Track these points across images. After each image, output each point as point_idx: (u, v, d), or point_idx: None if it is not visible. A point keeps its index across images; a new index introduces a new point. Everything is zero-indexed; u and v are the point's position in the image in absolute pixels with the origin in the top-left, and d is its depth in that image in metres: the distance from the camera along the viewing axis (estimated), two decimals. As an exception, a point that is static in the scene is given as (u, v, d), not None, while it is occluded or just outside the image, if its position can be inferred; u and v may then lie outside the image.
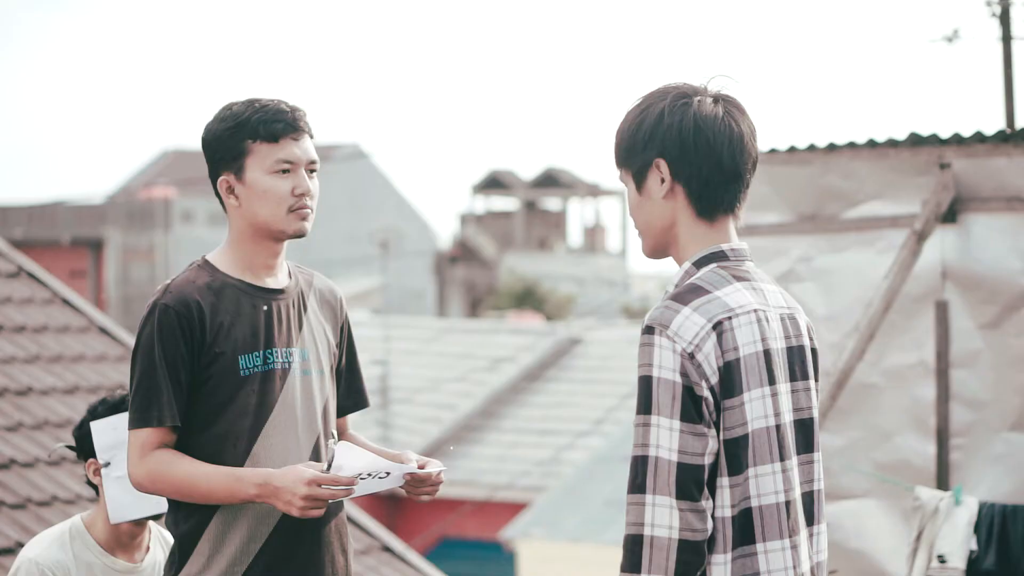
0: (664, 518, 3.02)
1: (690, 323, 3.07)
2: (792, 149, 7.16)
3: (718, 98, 3.21)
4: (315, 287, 4.09)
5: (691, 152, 3.15)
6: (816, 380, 3.28)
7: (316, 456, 3.94)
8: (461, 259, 51.05)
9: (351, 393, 4.11)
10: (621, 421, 23.32)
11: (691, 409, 3.04)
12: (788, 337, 3.22)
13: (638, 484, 3.05)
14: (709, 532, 3.05)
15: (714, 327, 3.08)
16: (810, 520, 3.22)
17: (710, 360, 3.07)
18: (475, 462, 24.26)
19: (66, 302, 11.96)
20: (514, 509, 21.86)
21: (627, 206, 3.28)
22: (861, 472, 6.88)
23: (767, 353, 3.15)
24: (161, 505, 4.34)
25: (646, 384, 3.07)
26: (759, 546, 3.11)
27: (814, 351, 3.29)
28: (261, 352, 3.90)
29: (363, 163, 48.40)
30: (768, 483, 3.12)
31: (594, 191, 58.49)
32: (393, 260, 44.99)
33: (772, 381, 3.14)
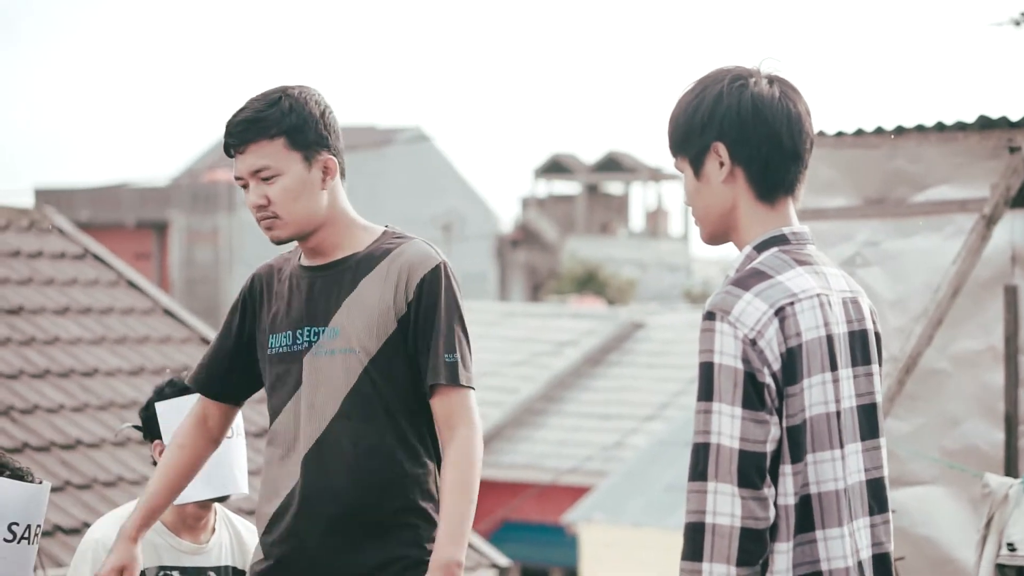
0: (726, 506, 2.99)
1: (752, 309, 3.04)
2: (860, 133, 7.11)
3: (772, 79, 3.18)
4: (396, 257, 3.94)
5: (750, 133, 3.13)
6: (880, 364, 3.24)
7: (330, 440, 3.90)
8: (523, 243, 51.04)
9: (423, 372, 3.92)
10: (684, 406, 23.27)
11: (753, 396, 3.01)
12: (851, 321, 3.19)
13: (699, 471, 3.02)
14: (771, 520, 3.02)
15: (776, 313, 3.05)
16: (879, 507, 3.19)
17: (772, 346, 3.04)
18: (537, 446, 24.27)
19: (131, 284, 12.03)
20: (576, 493, 21.85)
21: (685, 193, 3.23)
22: (929, 458, 6.83)
23: (829, 338, 3.12)
24: (227, 487, 4.35)
25: (707, 370, 3.03)
26: (819, 533, 3.08)
27: (877, 335, 3.26)
28: (292, 332, 3.93)
29: (425, 146, 48.44)
30: (827, 470, 3.09)
31: (656, 175, 58.34)
32: (455, 244, 45.02)
33: (834, 367, 3.11)
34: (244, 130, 3.94)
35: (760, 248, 3.15)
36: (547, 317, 29.91)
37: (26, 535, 3.40)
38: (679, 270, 54.32)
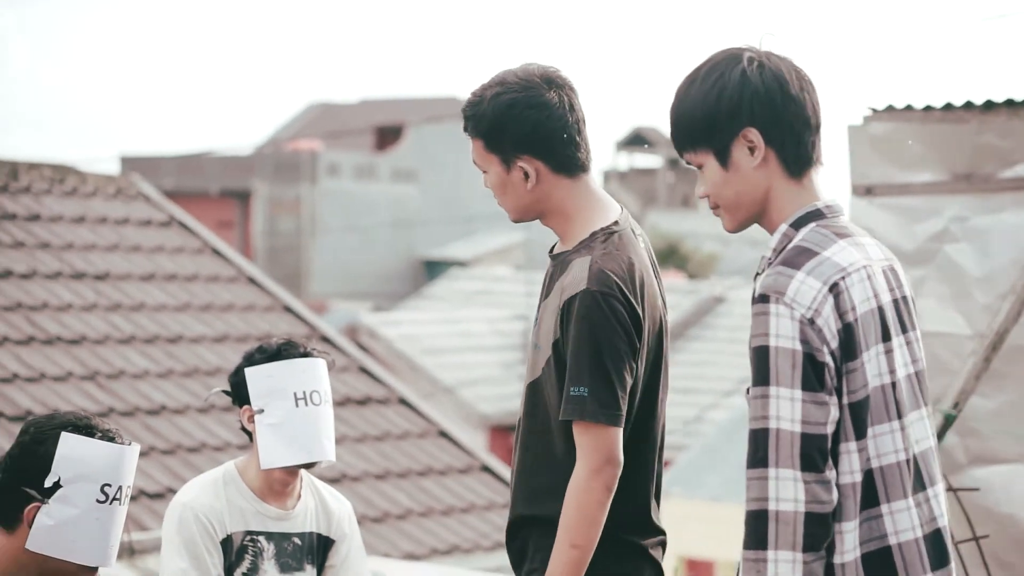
0: (789, 491, 2.94)
1: (806, 287, 2.98)
2: (948, 107, 7.04)
3: (779, 56, 3.12)
4: (566, 274, 3.78)
5: (782, 112, 3.06)
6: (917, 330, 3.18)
7: (521, 432, 3.86)
8: (604, 216, 50.92)
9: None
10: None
11: (812, 377, 2.95)
12: (892, 289, 3.14)
13: (759, 458, 2.96)
14: (835, 502, 2.97)
15: (830, 289, 3.00)
16: (931, 480, 3.14)
17: (830, 324, 2.98)
18: (616, 419, 24.23)
19: (216, 252, 12.12)
20: (655, 467, 21.86)
21: (708, 185, 3.12)
22: (1014, 436, 6.77)
23: (880, 309, 3.07)
24: (314, 454, 4.38)
25: (763, 354, 2.97)
26: (884, 507, 3.04)
27: (913, 300, 3.22)
28: None
29: (508, 118, 48.41)
30: (887, 442, 3.04)
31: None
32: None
33: (887, 337, 3.07)
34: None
35: (797, 225, 3.10)
36: (628, 290, 29.82)
37: (117, 496, 3.43)
38: (760, 245, 54.06)
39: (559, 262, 3.82)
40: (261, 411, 4.34)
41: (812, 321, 2.97)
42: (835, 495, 2.97)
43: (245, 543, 4.36)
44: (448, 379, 25.09)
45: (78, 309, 10.68)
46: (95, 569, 3.46)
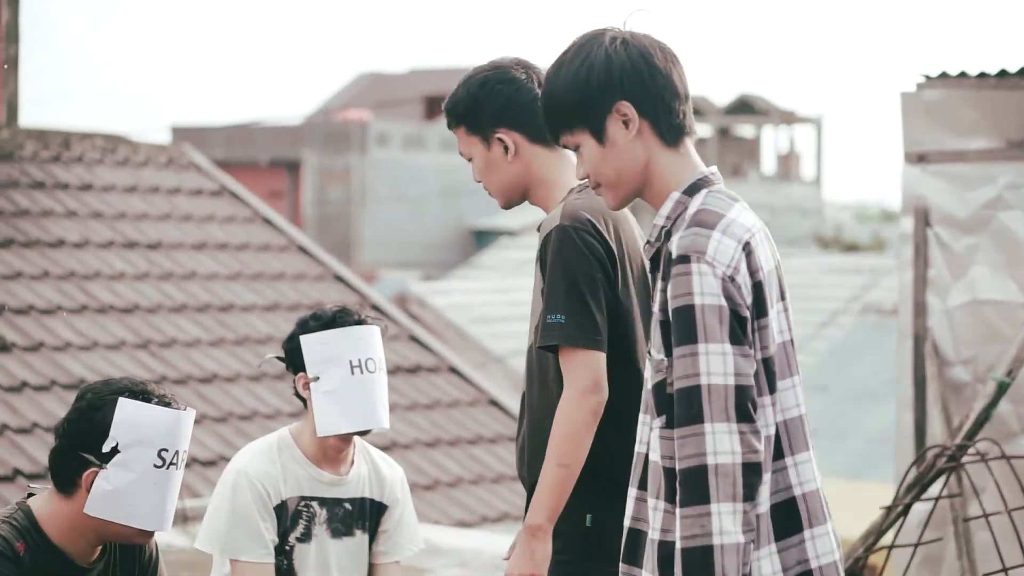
0: (726, 444, 2.96)
1: (724, 246, 3.03)
2: (1002, 74, 6.99)
3: (635, 32, 3.18)
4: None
5: (650, 83, 3.11)
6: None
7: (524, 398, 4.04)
8: (653, 185, 50.82)
9: None
10: (814, 351, 23.12)
11: (738, 331, 3.00)
12: (776, 254, 3.22)
13: (692, 415, 2.98)
14: (763, 451, 3.01)
15: (743, 248, 3.06)
16: (808, 441, 3.18)
17: (746, 281, 3.04)
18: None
19: (267, 221, 12.16)
20: (704, 436, 21.82)
21: (587, 164, 3.17)
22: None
23: (776, 270, 3.16)
24: (368, 421, 4.39)
25: (688, 313, 3.00)
26: (789, 459, 3.10)
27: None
28: None
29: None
30: (789, 397, 3.11)
31: (789, 118, 57.79)
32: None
33: (781, 297, 3.15)
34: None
35: (689, 192, 3.14)
36: (677, 260, 29.77)
37: (174, 461, 3.46)
38: (811, 214, 53.84)
39: (539, 237, 3.97)
40: (316, 378, 4.35)
41: (732, 278, 3.02)
42: (763, 445, 3.01)
43: (299, 508, 4.38)
44: (498, 348, 25.12)
45: (130, 278, 10.74)
46: (151, 533, 3.49)
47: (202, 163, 12.39)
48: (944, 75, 6.93)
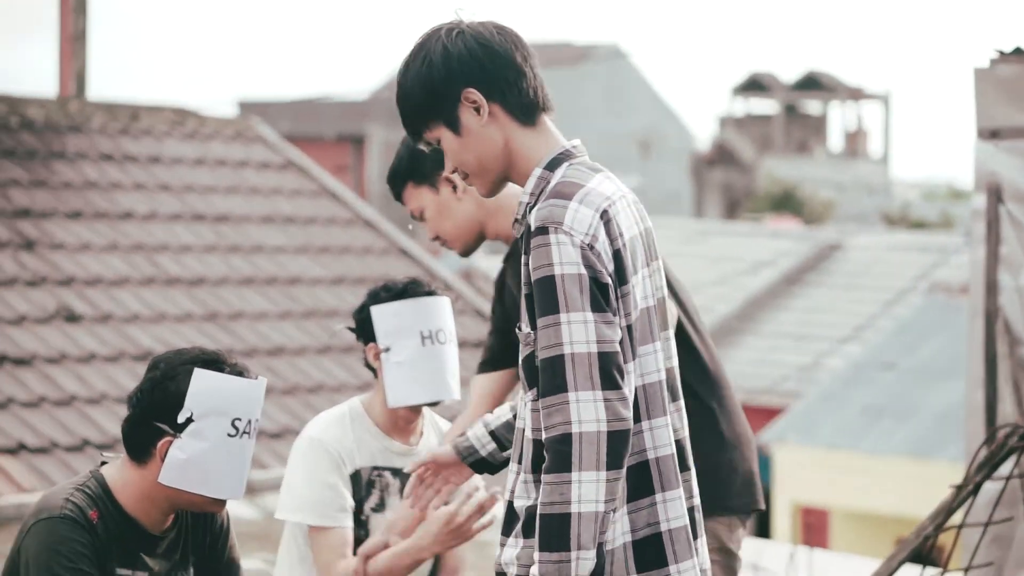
0: (590, 412, 2.96)
1: (581, 215, 3.06)
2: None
3: (470, 22, 3.23)
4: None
5: (491, 66, 3.16)
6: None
7: None
8: (719, 162, 50.68)
9: None
10: (882, 329, 23.01)
11: (599, 299, 3.02)
12: (643, 219, 3.25)
13: (557, 384, 2.99)
14: (631, 419, 3.02)
15: (601, 216, 3.08)
16: (673, 396, 3.22)
17: (605, 249, 3.06)
18: (732, 365, 24.16)
19: (333, 195, 12.19)
20: (770, 414, 21.77)
21: (450, 157, 3.21)
22: None
23: (641, 236, 3.18)
24: (440, 393, 4.39)
25: (548, 284, 3.01)
26: (645, 423, 3.12)
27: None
28: None
29: (621, 63, 48.22)
30: (650, 362, 3.13)
31: (857, 95, 57.46)
32: (651, 162, 44.85)
33: (648, 262, 3.18)
34: None
35: (551, 167, 3.16)
36: (743, 236, 29.70)
37: (247, 430, 3.47)
38: (878, 192, 53.53)
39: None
40: (387, 349, 4.35)
41: (591, 247, 3.04)
42: (631, 412, 3.02)
43: (372, 478, 4.39)
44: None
45: (198, 251, 10.79)
46: (224, 501, 3.50)
47: (269, 136, 12.44)
48: (1018, 51, 6.86)
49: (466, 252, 4.14)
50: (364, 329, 4.41)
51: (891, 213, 48.28)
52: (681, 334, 4.17)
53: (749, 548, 8.28)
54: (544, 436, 3.00)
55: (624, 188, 3.23)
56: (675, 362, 3.24)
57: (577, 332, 2.99)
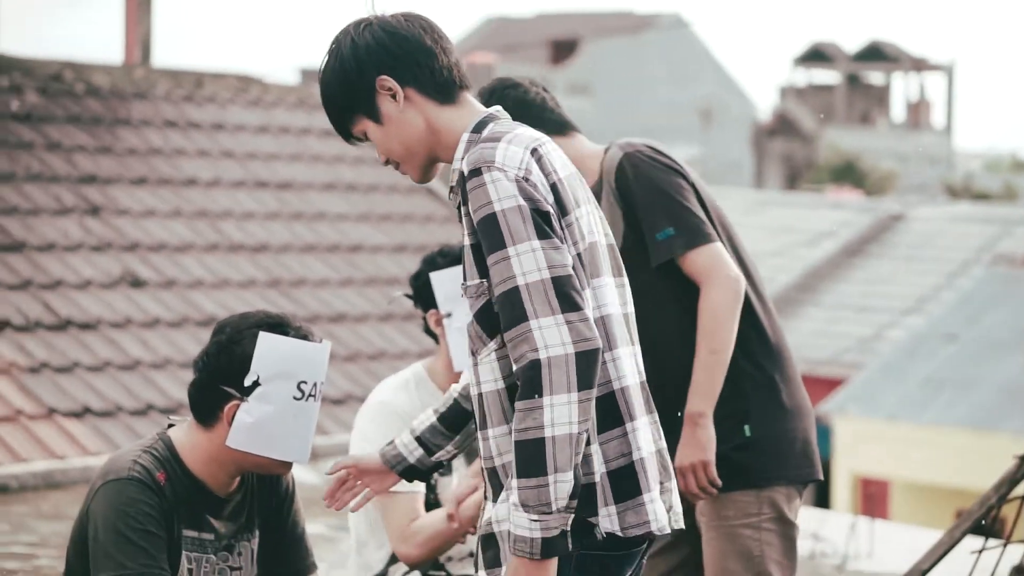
0: (554, 336, 2.98)
1: (512, 152, 3.09)
2: None
3: (378, 15, 3.28)
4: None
5: (399, 51, 3.21)
6: None
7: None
8: (780, 132, 50.45)
9: None
10: (944, 301, 22.88)
11: (543, 225, 3.05)
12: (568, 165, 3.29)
13: (517, 315, 3.00)
14: (598, 338, 3.02)
15: (532, 153, 3.11)
16: (632, 339, 3.24)
17: (541, 180, 3.09)
18: (792, 336, 24.03)
19: (396, 162, 12.21)
20: (830, 385, 21.69)
21: (378, 148, 3.26)
22: None
23: (577, 177, 3.21)
24: None
25: (491, 221, 3.05)
26: (607, 355, 3.13)
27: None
28: None
29: (683, 32, 48.06)
30: (606, 294, 3.14)
31: (920, 65, 57.05)
32: (712, 131, 44.71)
33: (587, 200, 3.21)
34: None
35: (477, 129, 3.20)
36: (804, 207, 29.55)
37: (313, 392, 3.48)
38: (940, 163, 53.17)
39: (605, 178, 4.30)
40: (449, 315, 4.35)
41: (526, 179, 3.07)
42: (596, 331, 3.02)
43: None
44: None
45: (261, 217, 10.84)
46: (290, 464, 3.52)
47: (332, 104, 12.46)
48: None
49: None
50: (423, 296, 4.41)
51: (953, 184, 47.96)
52: (746, 305, 4.16)
53: (810, 518, 8.27)
54: (514, 368, 3.02)
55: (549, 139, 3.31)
56: (631, 309, 3.27)
57: (527, 262, 3.02)
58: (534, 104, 4.31)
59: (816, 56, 57.86)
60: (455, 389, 3.57)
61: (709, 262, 3.99)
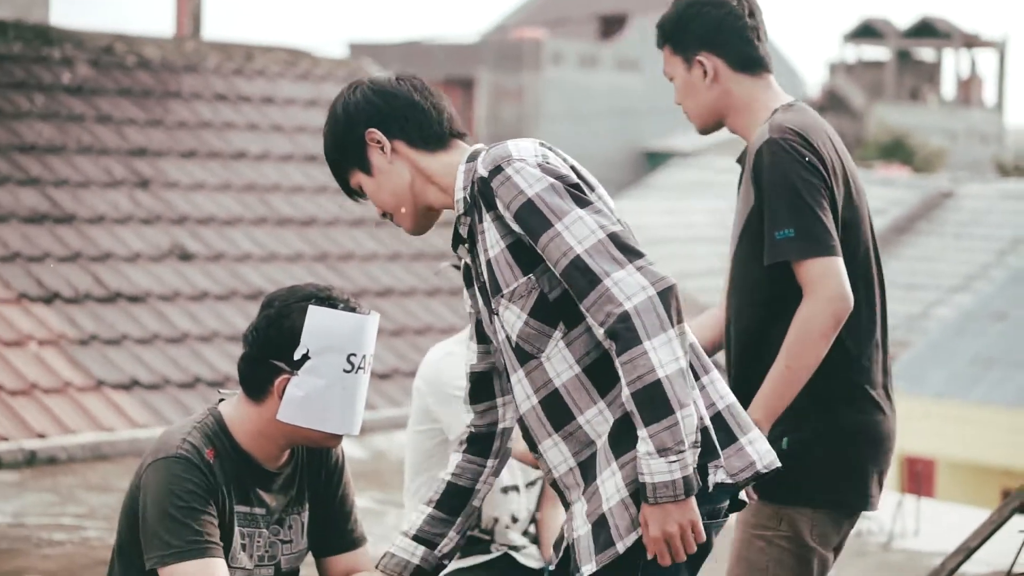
0: (632, 286, 3.05)
1: (523, 146, 3.21)
2: None
3: (375, 77, 3.43)
4: None
5: (386, 107, 3.34)
6: None
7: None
8: (828, 108, 50.19)
9: None
10: (993, 279, 22.75)
11: (579, 195, 3.14)
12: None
13: (590, 280, 3.07)
14: (669, 274, 3.10)
15: (541, 146, 3.23)
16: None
17: (560, 163, 3.20)
18: (839, 313, 23.97)
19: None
20: (877, 362, 21.61)
21: (372, 199, 3.38)
22: None
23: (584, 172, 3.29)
24: None
25: (530, 206, 3.12)
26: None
27: None
28: None
29: (733, 8, 47.83)
30: (653, 269, 3.15)
31: (971, 41, 56.65)
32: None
33: (599, 186, 3.28)
34: None
35: (472, 158, 3.28)
36: (853, 184, 29.40)
37: (362, 365, 3.48)
38: (991, 140, 52.82)
39: (747, 158, 3.91)
40: None
41: (547, 162, 3.18)
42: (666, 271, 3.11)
43: None
44: (670, 270, 25.04)
45: (309, 191, 10.86)
46: (340, 437, 3.52)
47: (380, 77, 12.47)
48: None
49: (703, 132, 4.04)
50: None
51: (1004, 162, 47.64)
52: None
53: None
54: (603, 329, 3.06)
55: None
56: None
57: (579, 230, 3.10)
58: (730, 31, 3.94)
59: (866, 32, 57.52)
60: (444, 475, 3.53)
61: (820, 275, 3.69)
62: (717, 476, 3.12)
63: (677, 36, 3.98)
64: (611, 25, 47.85)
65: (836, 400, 3.84)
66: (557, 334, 3.16)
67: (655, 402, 3.01)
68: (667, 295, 3.05)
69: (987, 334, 19.37)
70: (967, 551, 5.09)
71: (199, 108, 11.08)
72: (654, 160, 41.49)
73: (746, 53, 3.94)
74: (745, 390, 3.80)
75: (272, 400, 3.47)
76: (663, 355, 3.02)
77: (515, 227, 3.15)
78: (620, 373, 3.04)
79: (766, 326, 3.81)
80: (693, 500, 3.04)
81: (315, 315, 3.44)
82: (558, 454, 3.21)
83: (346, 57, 13.40)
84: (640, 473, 3.04)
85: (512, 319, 3.19)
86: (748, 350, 3.87)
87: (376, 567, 3.54)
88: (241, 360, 3.53)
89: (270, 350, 3.46)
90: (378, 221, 10.80)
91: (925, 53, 58.18)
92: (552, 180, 3.13)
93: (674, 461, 3.00)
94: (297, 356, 3.44)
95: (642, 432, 3.02)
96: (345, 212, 10.78)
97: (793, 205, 3.74)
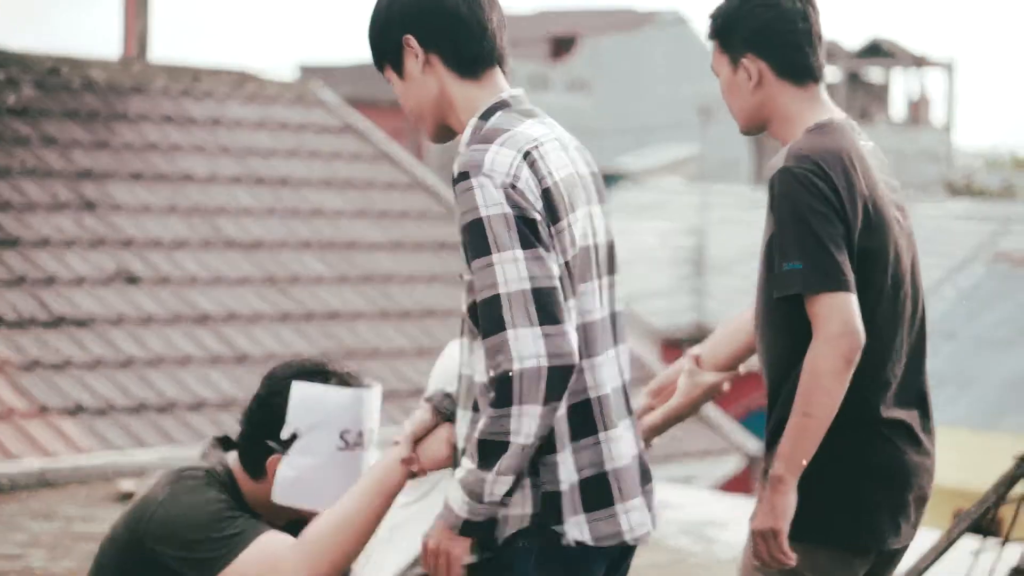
0: (530, 348, 3.00)
1: (501, 157, 3.09)
2: None
3: None
4: None
5: (430, 16, 3.23)
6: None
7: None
8: (780, 129, 50.39)
9: None
10: (945, 296, 22.83)
11: (528, 235, 3.05)
12: (588, 164, 3.30)
13: (495, 323, 3.02)
14: (576, 353, 3.03)
15: (524, 157, 3.11)
16: (617, 339, 3.26)
17: (531, 187, 3.09)
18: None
19: (392, 159, 12.16)
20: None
21: (400, 101, 3.32)
22: None
23: (578, 177, 3.21)
24: None
25: (478, 227, 3.05)
26: (586, 363, 3.14)
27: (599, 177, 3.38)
28: None
29: (683, 29, 47.98)
30: (590, 300, 3.15)
31: (920, 62, 56.98)
32: (711, 128, 44.60)
33: (588, 201, 3.21)
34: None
35: (485, 116, 3.21)
36: (803, 204, 29.49)
37: (359, 441, 3.29)
38: (940, 160, 53.15)
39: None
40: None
41: (513, 186, 3.07)
42: (576, 345, 3.03)
43: None
44: (620, 292, 25.05)
45: (257, 214, 10.79)
46: None
47: (330, 100, 12.42)
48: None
49: (745, 133, 3.85)
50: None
51: (954, 182, 47.92)
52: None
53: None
54: (488, 375, 3.04)
55: (561, 132, 3.28)
56: (620, 307, 3.27)
57: (510, 271, 3.03)
58: (779, 35, 3.74)
59: (875, 51, 57.77)
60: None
61: (826, 313, 3.51)
62: (580, 533, 3.12)
63: (724, 33, 3.80)
64: (561, 46, 47.91)
65: (835, 434, 3.62)
66: (477, 343, 3.13)
67: (491, 454, 3.02)
68: (559, 373, 3.00)
69: (937, 354, 19.41)
70: (917, 572, 5.07)
71: (146, 130, 11.00)
72: (604, 181, 41.54)
73: (794, 60, 3.74)
74: (776, 413, 3.67)
75: (269, 479, 3.31)
76: (526, 425, 2.99)
77: (460, 236, 3.11)
78: (482, 418, 3.04)
79: (797, 358, 3.60)
80: (466, 542, 3.07)
81: (300, 391, 3.28)
82: (463, 427, 3.20)
83: (296, 79, 13.34)
84: (448, 490, 3.09)
85: (463, 297, 3.17)
86: (783, 385, 3.67)
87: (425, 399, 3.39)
88: (238, 439, 3.38)
89: (262, 430, 3.31)
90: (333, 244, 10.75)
91: (875, 74, 58.50)
92: (508, 209, 3.04)
93: (469, 503, 3.04)
94: (285, 436, 3.30)
95: (470, 464, 3.04)
96: (292, 235, 10.71)
97: (802, 237, 3.57)
